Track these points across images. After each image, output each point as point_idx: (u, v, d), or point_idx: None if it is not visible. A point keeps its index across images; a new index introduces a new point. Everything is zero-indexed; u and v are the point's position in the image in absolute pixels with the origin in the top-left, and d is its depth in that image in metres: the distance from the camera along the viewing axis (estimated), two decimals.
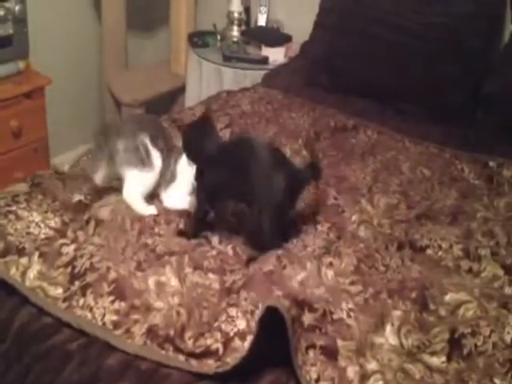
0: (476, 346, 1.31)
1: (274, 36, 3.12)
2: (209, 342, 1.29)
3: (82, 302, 1.39)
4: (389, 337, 1.33)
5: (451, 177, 2.02)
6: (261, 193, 1.55)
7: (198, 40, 3.11)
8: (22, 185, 1.76)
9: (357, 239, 1.64)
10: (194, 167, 1.64)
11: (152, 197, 1.73)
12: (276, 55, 2.98)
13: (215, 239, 1.60)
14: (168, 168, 1.72)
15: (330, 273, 1.49)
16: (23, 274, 1.45)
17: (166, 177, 1.72)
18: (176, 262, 1.48)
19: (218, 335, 1.29)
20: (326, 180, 1.91)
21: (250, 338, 1.25)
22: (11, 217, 1.60)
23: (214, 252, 1.54)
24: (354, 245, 1.60)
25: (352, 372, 1.24)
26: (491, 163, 2.10)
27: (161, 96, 3.24)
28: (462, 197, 1.89)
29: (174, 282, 1.43)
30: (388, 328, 1.34)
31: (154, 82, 3.27)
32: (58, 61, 3.10)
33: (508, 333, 1.35)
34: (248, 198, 1.57)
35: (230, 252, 1.56)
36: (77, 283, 1.42)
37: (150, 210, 1.68)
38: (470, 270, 1.56)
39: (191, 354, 1.28)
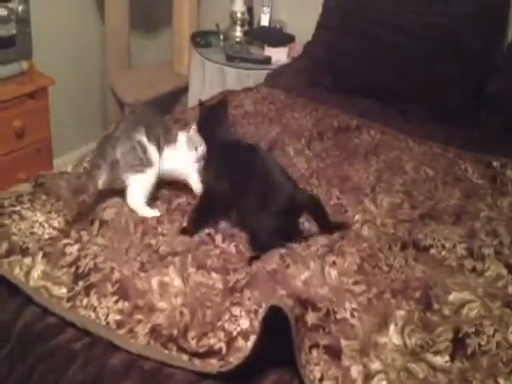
0: (480, 345, 1.31)
1: (277, 36, 3.12)
2: (212, 341, 1.29)
3: (85, 301, 1.39)
4: (392, 336, 1.33)
5: (455, 177, 2.02)
6: (268, 194, 1.56)
7: (201, 40, 3.11)
8: (26, 185, 1.77)
9: (360, 239, 1.64)
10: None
11: (153, 199, 1.75)
12: (279, 55, 2.98)
13: (218, 237, 1.60)
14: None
15: (334, 272, 1.48)
16: (27, 274, 1.45)
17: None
18: (179, 262, 1.48)
19: (222, 335, 1.29)
20: (329, 180, 1.92)
21: (253, 338, 1.25)
22: (15, 217, 1.60)
23: (217, 251, 1.55)
24: (358, 244, 1.60)
25: (356, 371, 1.24)
26: (495, 163, 2.10)
27: (163, 96, 3.24)
28: (466, 196, 1.89)
29: (177, 282, 1.43)
30: (392, 328, 1.34)
31: (157, 82, 3.27)
32: (61, 61, 3.11)
33: None
34: (253, 197, 1.58)
35: (233, 250, 1.57)
36: (81, 283, 1.43)
37: (153, 213, 1.69)
38: (473, 270, 1.56)
39: (194, 354, 1.28)
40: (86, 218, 1.63)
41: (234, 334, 1.29)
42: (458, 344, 1.31)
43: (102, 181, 1.68)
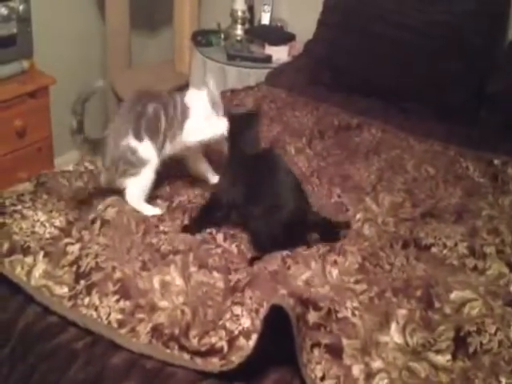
0: (481, 344, 1.31)
1: (278, 35, 3.12)
2: (213, 340, 1.29)
3: (87, 301, 1.39)
4: (394, 335, 1.32)
5: (456, 175, 2.02)
6: (273, 209, 1.57)
7: (202, 39, 3.11)
8: (27, 184, 1.77)
9: (361, 237, 1.64)
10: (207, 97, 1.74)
11: (154, 198, 1.75)
12: (280, 54, 2.98)
13: (220, 237, 1.60)
14: (174, 116, 1.73)
15: (335, 271, 1.48)
16: (28, 273, 1.46)
17: (174, 123, 1.73)
18: (181, 261, 1.48)
19: (223, 333, 1.29)
20: (330, 179, 1.91)
21: (254, 337, 1.25)
22: (16, 216, 1.60)
23: (218, 250, 1.55)
24: (359, 243, 1.60)
25: (357, 370, 1.24)
26: (496, 161, 2.10)
27: None
28: (467, 195, 1.89)
29: (178, 281, 1.43)
30: (393, 326, 1.34)
31: (158, 82, 3.26)
32: (62, 60, 3.11)
33: None
34: (260, 208, 1.59)
35: (235, 250, 1.57)
36: (82, 282, 1.43)
37: (154, 211, 1.69)
38: (475, 268, 1.56)
39: (196, 353, 1.28)
40: (85, 211, 1.64)
41: (236, 332, 1.29)
42: (460, 343, 1.31)
43: (102, 179, 1.72)
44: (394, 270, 1.53)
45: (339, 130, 2.28)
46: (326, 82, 2.60)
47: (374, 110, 2.42)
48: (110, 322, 1.35)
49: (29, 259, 1.48)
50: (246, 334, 1.29)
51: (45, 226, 1.58)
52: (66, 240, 1.53)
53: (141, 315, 1.35)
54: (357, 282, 1.46)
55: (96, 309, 1.37)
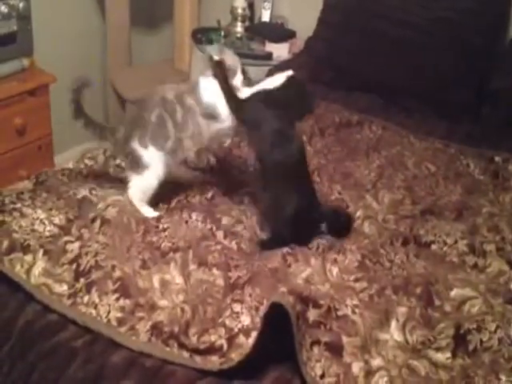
0: (481, 341, 1.31)
1: (278, 32, 3.11)
2: (213, 338, 1.29)
3: (86, 299, 1.39)
4: (394, 333, 1.32)
5: (456, 172, 2.01)
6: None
7: (202, 36, 3.10)
8: (27, 182, 1.77)
9: (361, 235, 1.64)
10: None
11: (157, 201, 1.73)
12: (280, 51, 2.97)
13: (220, 234, 1.60)
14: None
15: (335, 269, 1.48)
16: (28, 272, 1.45)
17: (188, 120, 1.70)
18: (180, 259, 1.48)
19: (223, 331, 1.29)
20: (330, 176, 1.91)
21: (254, 334, 1.25)
22: (16, 214, 1.60)
23: (218, 247, 1.54)
24: (359, 241, 1.60)
25: (357, 368, 1.24)
26: (497, 158, 2.09)
27: None
28: (467, 192, 1.89)
29: (178, 279, 1.43)
30: (393, 324, 1.34)
31: (158, 79, 3.26)
32: (62, 58, 3.10)
33: None
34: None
35: (235, 247, 1.57)
36: (82, 280, 1.43)
37: (153, 214, 1.69)
38: (475, 266, 1.56)
39: (195, 351, 1.28)
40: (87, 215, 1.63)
41: (235, 330, 1.29)
42: (460, 340, 1.31)
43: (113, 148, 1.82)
44: (393, 268, 1.53)
45: (340, 127, 2.27)
46: (327, 79, 2.59)
47: (375, 108, 2.42)
48: (109, 321, 1.35)
49: (28, 257, 1.48)
50: (246, 332, 1.28)
51: (44, 224, 1.58)
52: (66, 238, 1.53)
53: (140, 314, 1.35)
54: (357, 279, 1.46)
55: (95, 307, 1.37)
